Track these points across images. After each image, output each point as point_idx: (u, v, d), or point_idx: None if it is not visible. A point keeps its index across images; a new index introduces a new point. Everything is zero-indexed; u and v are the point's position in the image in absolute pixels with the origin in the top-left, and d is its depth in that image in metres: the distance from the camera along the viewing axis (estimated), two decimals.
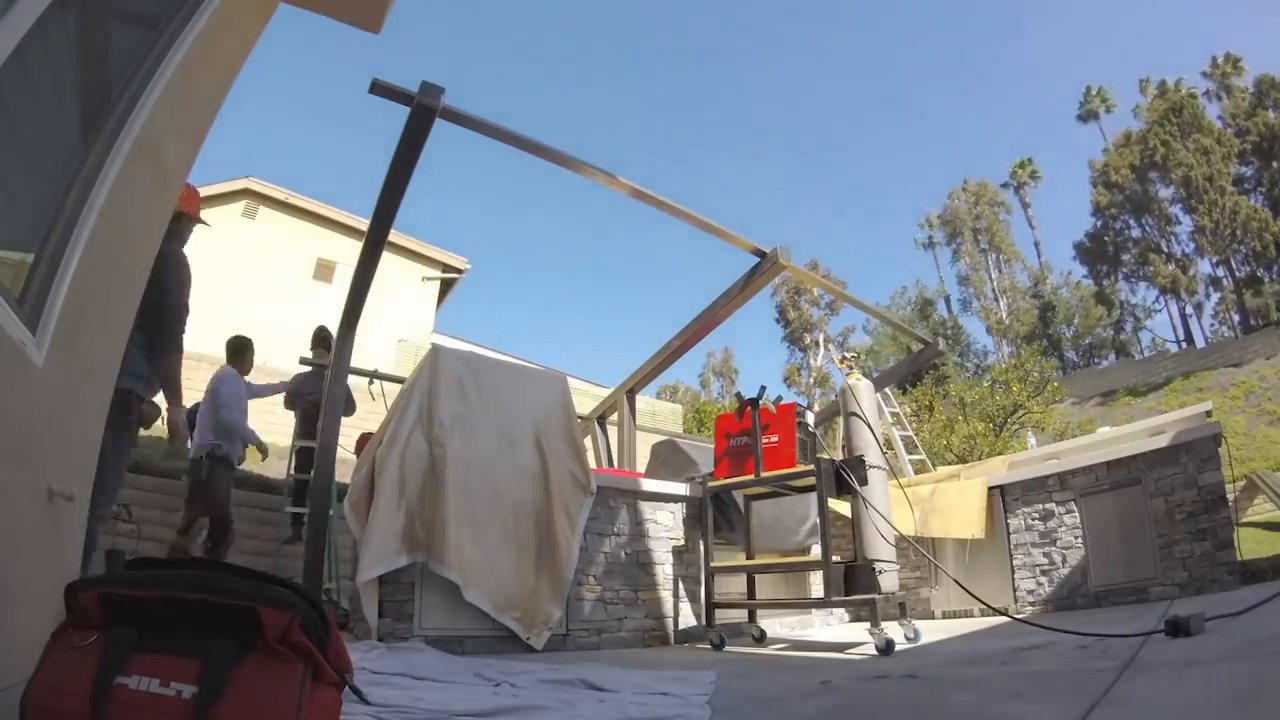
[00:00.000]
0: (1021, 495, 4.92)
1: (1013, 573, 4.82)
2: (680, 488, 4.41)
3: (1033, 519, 4.82)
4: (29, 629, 1.25)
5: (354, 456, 4.59)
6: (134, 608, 1.02)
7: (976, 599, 3.60)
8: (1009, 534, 4.91)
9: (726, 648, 3.63)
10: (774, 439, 3.70)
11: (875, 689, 2.00)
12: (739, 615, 4.13)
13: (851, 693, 1.95)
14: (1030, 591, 4.70)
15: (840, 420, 3.99)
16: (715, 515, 4.11)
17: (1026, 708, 1.52)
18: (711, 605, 3.81)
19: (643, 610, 3.99)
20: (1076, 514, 4.61)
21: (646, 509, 4.21)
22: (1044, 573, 4.68)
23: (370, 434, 4.22)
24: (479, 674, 2.29)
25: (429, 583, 3.30)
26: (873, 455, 3.56)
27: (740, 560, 4.11)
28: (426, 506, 3.33)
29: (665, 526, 4.27)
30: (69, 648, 0.99)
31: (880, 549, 3.38)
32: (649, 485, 4.33)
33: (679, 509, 4.38)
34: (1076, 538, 4.57)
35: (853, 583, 3.34)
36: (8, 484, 1.39)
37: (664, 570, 4.17)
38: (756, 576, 4.08)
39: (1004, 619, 3.82)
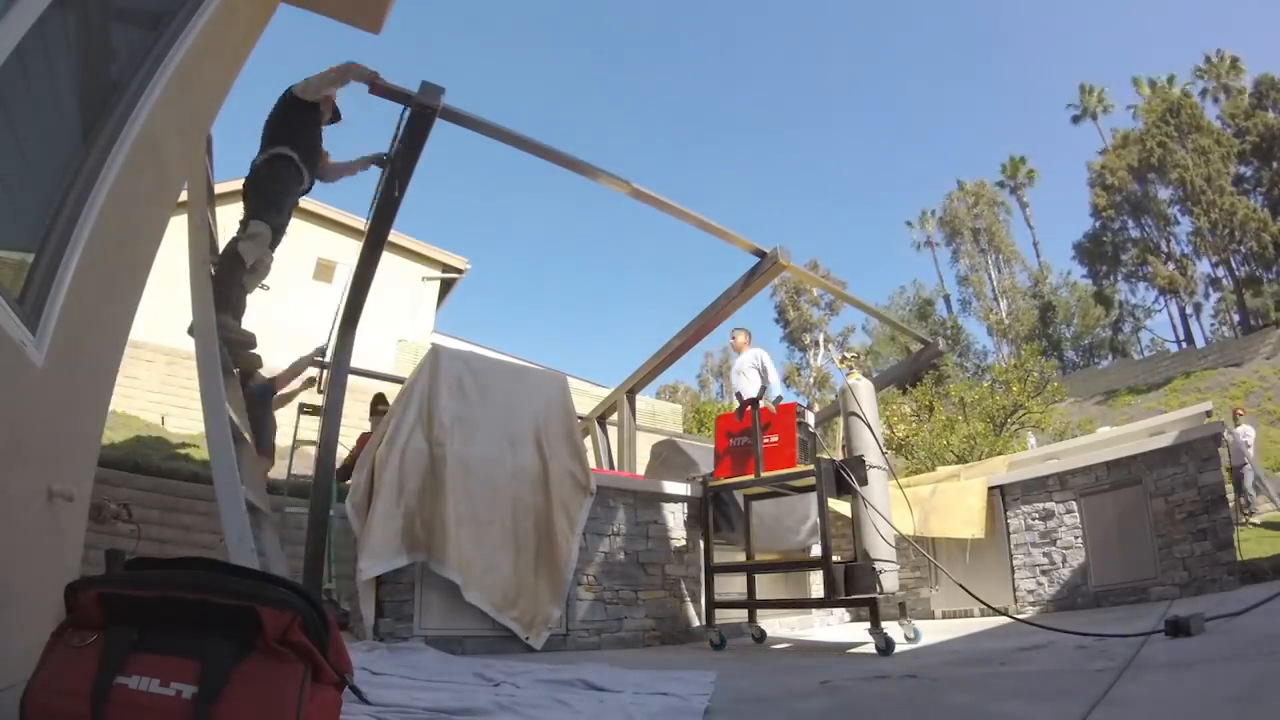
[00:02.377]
0: (1021, 495, 4.92)
1: (1013, 573, 4.82)
2: (680, 488, 4.41)
3: (1033, 519, 4.82)
4: (29, 629, 1.25)
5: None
6: (134, 608, 1.01)
7: (977, 599, 3.60)
8: (1009, 534, 4.91)
9: (726, 648, 3.63)
10: (774, 439, 3.71)
11: (875, 689, 2.00)
12: (739, 615, 4.13)
13: (851, 693, 1.95)
14: (1030, 591, 4.70)
15: (840, 420, 4.00)
16: (715, 515, 4.11)
17: (1026, 708, 1.52)
18: (712, 605, 3.82)
19: (643, 610, 3.99)
20: (1076, 514, 4.61)
21: (646, 509, 4.21)
22: (1044, 573, 4.68)
23: (369, 434, 4.22)
24: (479, 674, 2.29)
25: (429, 583, 3.30)
26: (872, 455, 3.55)
27: (742, 560, 4.12)
28: (427, 506, 3.34)
29: (665, 526, 4.27)
30: (69, 648, 0.99)
31: (880, 549, 3.38)
32: (649, 485, 4.33)
33: (679, 509, 4.38)
34: (1076, 538, 4.57)
35: (853, 582, 3.32)
36: (8, 484, 1.39)
37: (664, 570, 4.17)
38: (756, 577, 4.08)
39: (1003, 619, 3.83)
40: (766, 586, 4.54)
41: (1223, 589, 3.79)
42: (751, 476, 3.71)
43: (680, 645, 3.99)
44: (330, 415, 4.31)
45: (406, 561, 3.24)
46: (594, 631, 3.75)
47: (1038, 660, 2.32)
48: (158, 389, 10.70)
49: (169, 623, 1.01)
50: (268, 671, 1.00)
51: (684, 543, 4.31)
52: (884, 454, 3.69)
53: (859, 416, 3.63)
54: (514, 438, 3.75)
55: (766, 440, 3.72)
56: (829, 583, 3.31)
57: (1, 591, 1.36)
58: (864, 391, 3.71)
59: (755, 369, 6.48)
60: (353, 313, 4.37)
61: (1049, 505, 4.75)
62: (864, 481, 3.45)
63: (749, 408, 3.84)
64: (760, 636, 3.94)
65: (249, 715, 0.97)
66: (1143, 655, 2.01)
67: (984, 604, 3.64)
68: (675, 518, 4.35)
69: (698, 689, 2.01)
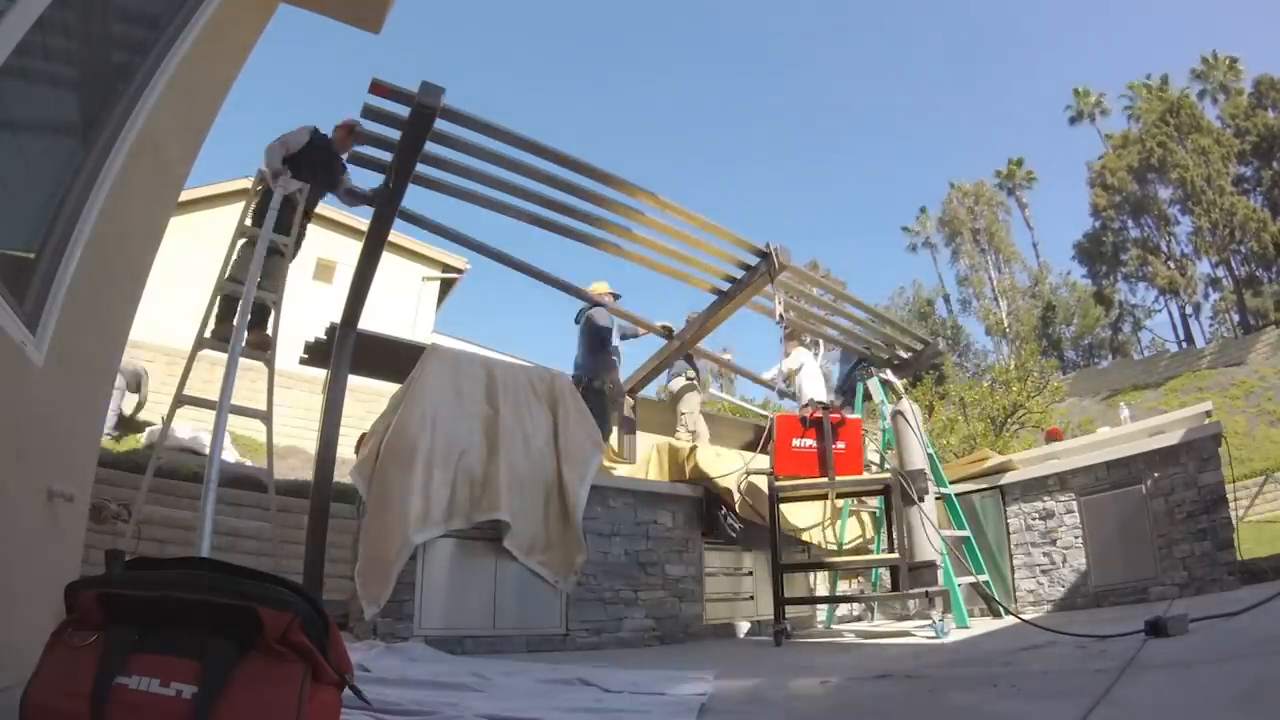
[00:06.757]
0: (1021, 495, 4.92)
1: (1013, 572, 4.82)
2: (680, 488, 4.41)
3: (1033, 519, 4.82)
4: (29, 629, 1.25)
5: (354, 456, 4.58)
6: (134, 608, 1.01)
7: (999, 603, 3.70)
8: (1009, 534, 4.91)
9: (731, 646, 3.64)
10: (841, 445, 3.93)
11: (875, 689, 2.00)
12: (727, 613, 4.13)
13: (851, 693, 1.95)
14: (1030, 591, 4.70)
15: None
16: (713, 517, 4.19)
17: (1027, 707, 1.52)
18: (782, 602, 3.82)
19: (643, 610, 3.99)
20: (1076, 514, 4.61)
21: (646, 509, 4.21)
22: (1044, 572, 4.68)
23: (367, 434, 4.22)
24: (478, 674, 2.29)
25: (429, 583, 3.31)
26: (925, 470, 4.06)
27: (801, 559, 4.53)
28: (481, 468, 3.61)
29: (665, 527, 4.27)
30: (69, 648, 0.99)
31: (928, 551, 3.78)
32: (649, 485, 4.33)
33: (679, 509, 4.38)
34: (1076, 538, 4.57)
35: (918, 579, 3.74)
36: (8, 484, 1.39)
37: (664, 570, 4.17)
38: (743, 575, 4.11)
39: (1004, 620, 3.85)
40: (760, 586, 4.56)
41: (1223, 589, 3.79)
42: (824, 479, 3.90)
43: (680, 645, 3.99)
44: (330, 415, 4.30)
45: (442, 532, 3.38)
46: (594, 631, 3.75)
47: (1038, 660, 2.31)
48: (158, 389, 10.69)
49: (169, 623, 1.01)
50: (268, 671, 1.00)
51: (684, 543, 4.31)
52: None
53: (915, 436, 4.10)
54: (531, 403, 4.00)
55: (810, 446, 3.95)
56: (899, 578, 3.83)
57: (2, 591, 1.36)
58: (915, 415, 4.19)
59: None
60: (353, 313, 4.37)
61: (1049, 505, 4.75)
62: (924, 494, 3.88)
63: (821, 412, 4.02)
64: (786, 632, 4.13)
65: (249, 715, 0.97)
66: (1143, 655, 2.01)
67: (1006, 608, 3.87)
68: (675, 518, 4.35)
69: (696, 689, 2.01)
